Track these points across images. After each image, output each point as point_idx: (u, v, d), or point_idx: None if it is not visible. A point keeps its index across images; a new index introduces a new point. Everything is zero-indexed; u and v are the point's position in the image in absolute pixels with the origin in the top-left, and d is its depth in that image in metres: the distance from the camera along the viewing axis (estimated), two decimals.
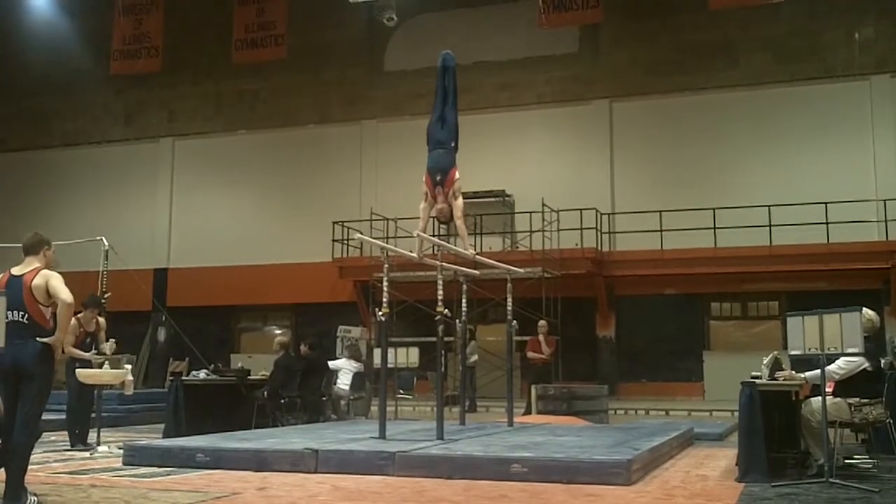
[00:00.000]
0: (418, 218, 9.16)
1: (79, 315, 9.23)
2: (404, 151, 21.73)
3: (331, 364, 14.26)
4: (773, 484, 6.55)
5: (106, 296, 10.11)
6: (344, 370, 14.12)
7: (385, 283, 8.79)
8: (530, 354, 15.36)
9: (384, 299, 8.72)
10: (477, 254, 9.83)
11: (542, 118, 21.92)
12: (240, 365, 15.56)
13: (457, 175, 8.90)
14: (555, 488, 6.39)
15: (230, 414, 11.47)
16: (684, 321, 20.11)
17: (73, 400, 9.57)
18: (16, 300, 5.66)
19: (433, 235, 11.33)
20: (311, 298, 22.25)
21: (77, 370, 9.14)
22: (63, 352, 9.10)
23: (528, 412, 13.69)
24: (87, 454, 8.83)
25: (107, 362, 9.34)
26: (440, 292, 8.80)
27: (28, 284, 5.70)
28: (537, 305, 17.54)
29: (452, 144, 9.14)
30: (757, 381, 7.22)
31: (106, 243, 10.25)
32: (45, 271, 5.80)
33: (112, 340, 9.57)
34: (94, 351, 9.43)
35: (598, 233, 19.91)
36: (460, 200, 8.88)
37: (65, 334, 5.85)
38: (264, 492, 6.31)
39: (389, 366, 10.48)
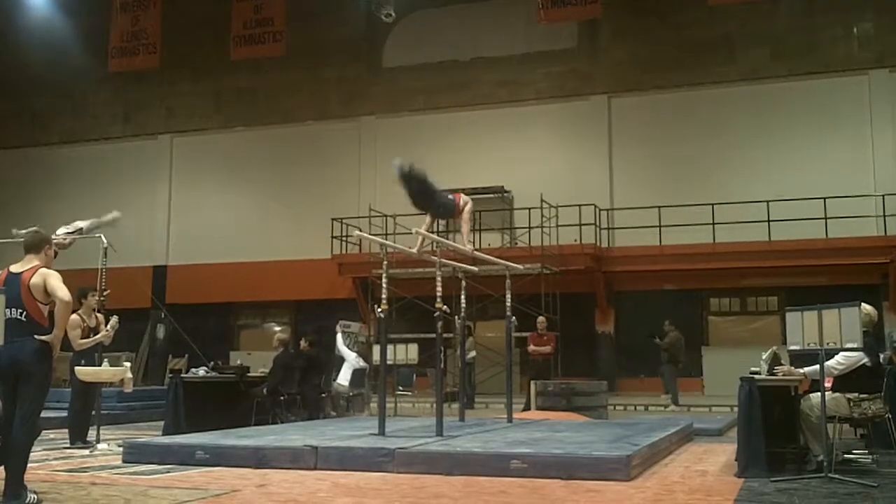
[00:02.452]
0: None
1: (78, 311, 9.21)
2: (403, 147, 21.69)
3: (341, 350, 14.31)
4: (772, 479, 6.55)
5: (105, 293, 10.07)
6: (346, 364, 14.17)
7: (384, 280, 8.79)
8: (531, 348, 15.38)
9: (383, 296, 8.72)
10: (476, 250, 9.85)
11: (541, 114, 21.90)
12: (239, 362, 15.56)
13: (461, 202, 9.29)
14: (554, 484, 6.39)
15: (229, 411, 11.47)
16: (683, 317, 19.99)
17: (76, 398, 9.56)
18: (14, 298, 5.66)
19: (432, 232, 11.32)
20: (310, 295, 22.26)
21: (76, 368, 9.14)
22: (73, 349, 9.16)
23: (527, 408, 13.69)
24: (86, 452, 8.82)
25: (106, 360, 9.33)
26: (439, 289, 8.80)
27: (26, 282, 5.69)
28: (536, 301, 17.55)
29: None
30: (756, 376, 7.22)
31: (105, 240, 10.21)
32: (44, 269, 5.80)
33: (115, 316, 9.55)
34: (101, 334, 9.41)
35: (597, 229, 19.91)
36: (469, 208, 9.14)
37: (62, 332, 5.84)
38: (264, 488, 6.30)
39: (389, 362, 10.49)
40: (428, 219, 9.41)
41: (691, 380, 19.44)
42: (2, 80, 25.60)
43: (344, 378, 14.12)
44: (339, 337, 14.80)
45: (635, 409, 16.40)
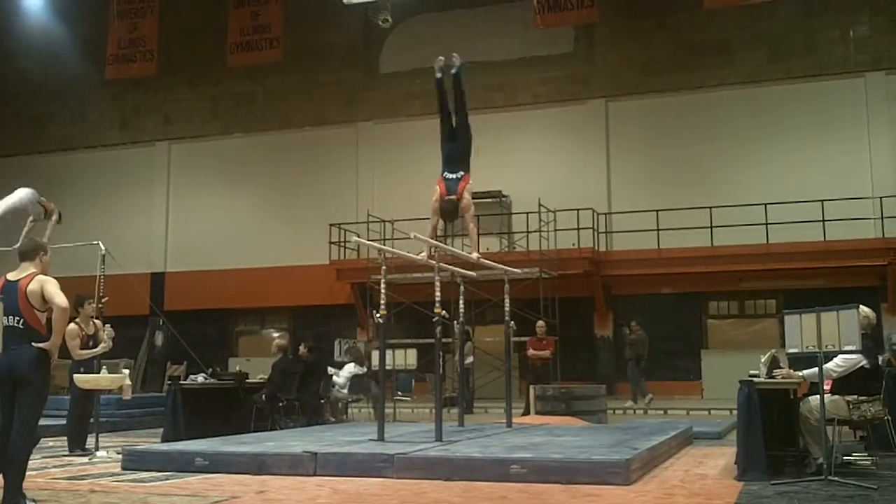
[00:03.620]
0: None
1: (76, 319, 9.21)
2: (400, 153, 21.76)
3: (337, 376, 14.19)
4: (772, 482, 6.54)
5: (103, 300, 10.07)
6: (345, 370, 14.15)
7: (383, 285, 8.78)
8: (530, 352, 15.36)
9: (382, 301, 8.71)
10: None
11: (538, 118, 21.92)
12: (238, 368, 15.58)
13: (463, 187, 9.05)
14: (554, 489, 6.39)
15: (229, 417, 11.46)
16: (682, 320, 20.11)
17: (75, 406, 9.53)
18: (11, 305, 5.66)
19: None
20: (308, 301, 22.24)
21: (75, 376, 9.12)
22: (73, 358, 9.15)
23: (526, 413, 13.69)
24: (85, 459, 8.81)
25: (104, 367, 9.32)
26: (438, 294, 8.79)
27: (23, 290, 5.70)
28: (535, 306, 17.55)
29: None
30: (755, 379, 7.22)
31: (103, 248, 10.22)
32: (41, 276, 5.81)
33: (108, 325, 9.54)
34: (100, 346, 9.41)
35: (595, 232, 19.92)
36: (468, 197, 8.99)
37: (60, 339, 5.84)
38: (263, 495, 6.30)
39: (387, 367, 10.47)
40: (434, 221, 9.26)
41: (690, 383, 19.47)
42: None
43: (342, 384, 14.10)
44: (334, 379, 14.49)
45: (634, 412, 16.39)
